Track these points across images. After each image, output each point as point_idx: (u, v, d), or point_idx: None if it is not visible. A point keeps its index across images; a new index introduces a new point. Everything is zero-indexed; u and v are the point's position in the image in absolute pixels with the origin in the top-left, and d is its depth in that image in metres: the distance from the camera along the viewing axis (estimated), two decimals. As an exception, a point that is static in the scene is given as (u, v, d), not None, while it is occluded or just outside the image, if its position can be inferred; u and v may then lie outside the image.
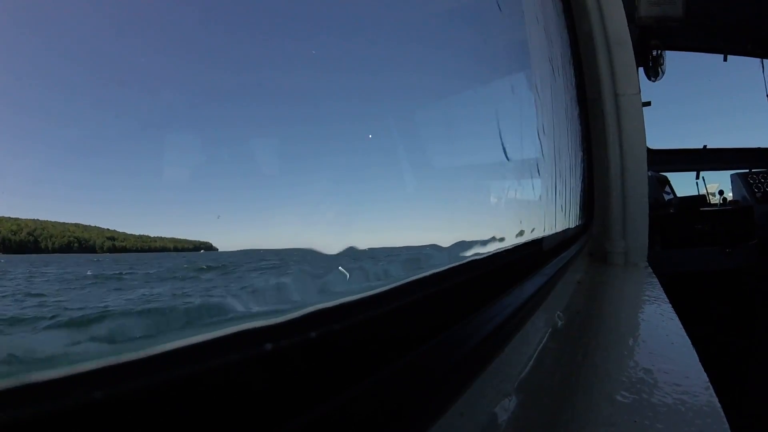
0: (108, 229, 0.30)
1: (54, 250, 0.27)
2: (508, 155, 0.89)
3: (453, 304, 0.48)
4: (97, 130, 0.32)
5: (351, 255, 0.46)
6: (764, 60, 3.72)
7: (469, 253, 0.60)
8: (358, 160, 0.53)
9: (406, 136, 0.63)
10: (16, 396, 0.18)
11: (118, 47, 0.34)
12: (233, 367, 0.24)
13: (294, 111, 0.47)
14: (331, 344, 0.30)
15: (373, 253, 0.50)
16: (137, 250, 0.31)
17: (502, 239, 0.71)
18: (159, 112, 0.36)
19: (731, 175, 3.72)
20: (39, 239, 0.27)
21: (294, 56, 0.47)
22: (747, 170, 3.65)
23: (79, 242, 0.29)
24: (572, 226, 1.43)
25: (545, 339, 0.71)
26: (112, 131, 0.33)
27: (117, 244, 0.30)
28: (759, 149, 3.83)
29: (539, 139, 1.04)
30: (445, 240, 0.59)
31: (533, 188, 1.00)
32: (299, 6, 0.50)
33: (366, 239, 0.49)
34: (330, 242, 0.45)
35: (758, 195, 3.44)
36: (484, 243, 0.65)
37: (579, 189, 1.64)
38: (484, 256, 0.61)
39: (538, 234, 0.91)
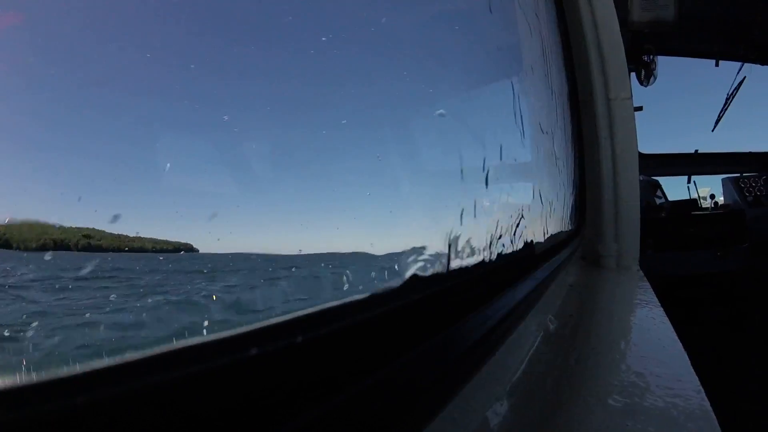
0: (84, 228, 0.30)
1: (29, 250, 0.27)
2: (500, 159, 0.89)
3: (443, 308, 0.48)
4: (81, 129, 0.32)
5: (338, 260, 0.46)
6: (744, 63, 3.75)
7: (461, 256, 0.59)
8: (349, 162, 0.53)
9: (396, 139, 0.63)
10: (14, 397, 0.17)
11: (107, 46, 0.34)
12: (219, 371, 0.24)
13: (284, 110, 0.46)
14: (320, 348, 0.30)
15: (362, 258, 0.49)
16: (114, 250, 0.30)
17: (492, 243, 0.71)
18: (144, 110, 0.35)
19: (722, 179, 3.76)
20: (11, 240, 0.27)
21: (288, 57, 0.46)
22: (738, 174, 3.68)
23: (54, 242, 0.28)
24: (564, 229, 1.44)
25: (537, 343, 0.70)
26: (96, 130, 0.32)
27: (93, 243, 0.30)
28: (750, 153, 3.86)
29: (531, 142, 1.05)
30: (434, 244, 0.58)
31: (525, 192, 1.01)
32: (296, 8, 0.50)
33: (354, 243, 0.49)
34: (319, 246, 0.44)
35: (749, 199, 3.47)
36: (475, 246, 0.65)
37: (571, 192, 1.65)
38: (476, 259, 0.61)
39: (530, 237, 0.91)
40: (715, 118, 3.94)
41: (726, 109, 3.88)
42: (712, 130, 3.97)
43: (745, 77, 3.74)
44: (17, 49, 0.29)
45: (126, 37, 0.35)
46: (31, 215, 0.27)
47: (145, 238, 0.32)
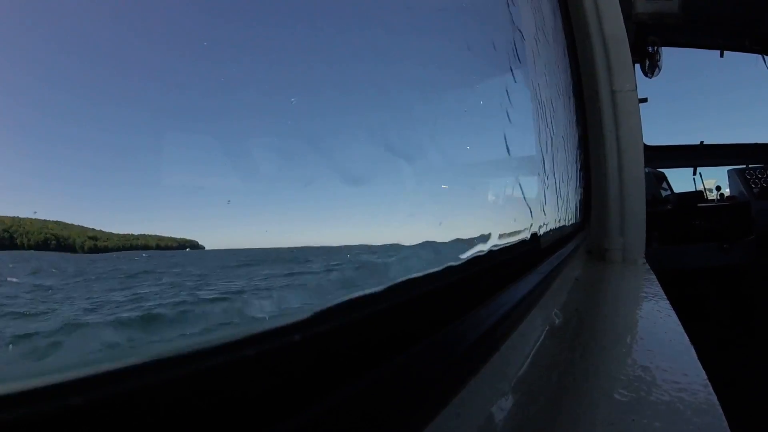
0: (92, 228, 0.29)
1: (30, 247, 0.27)
2: (505, 152, 0.89)
3: (449, 302, 0.48)
4: (85, 126, 0.32)
5: (342, 253, 0.46)
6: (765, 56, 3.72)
7: (466, 250, 0.59)
8: (354, 158, 0.53)
9: (401, 133, 0.63)
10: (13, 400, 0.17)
11: (115, 41, 0.34)
12: (224, 369, 0.24)
13: (287, 107, 0.46)
14: (324, 343, 0.30)
15: (367, 250, 0.49)
16: (120, 249, 0.30)
17: (498, 236, 0.71)
18: (148, 108, 0.35)
19: (728, 171, 3.74)
20: (15, 235, 0.27)
21: (289, 53, 0.46)
22: (744, 166, 3.67)
23: (57, 240, 0.28)
24: (570, 223, 1.43)
25: (542, 337, 0.70)
26: (101, 127, 0.32)
27: (99, 244, 0.30)
28: (756, 145, 3.84)
29: (536, 136, 1.04)
30: (442, 237, 0.58)
31: (530, 185, 1.00)
32: (299, 6, 0.49)
33: (360, 236, 0.49)
34: (321, 240, 0.44)
35: (755, 191, 3.45)
36: (480, 240, 0.64)
37: (576, 186, 1.64)
38: (480, 253, 0.61)
39: (536, 231, 0.91)
40: (721, 109, 3.92)
41: None
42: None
43: None
44: (23, 45, 0.29)
45: (132, 34, 0.34)
46: (34, 214, 0.27)
47: (150, 236, 0.32)
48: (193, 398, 0.22)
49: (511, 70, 0.98)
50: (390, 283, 0.41)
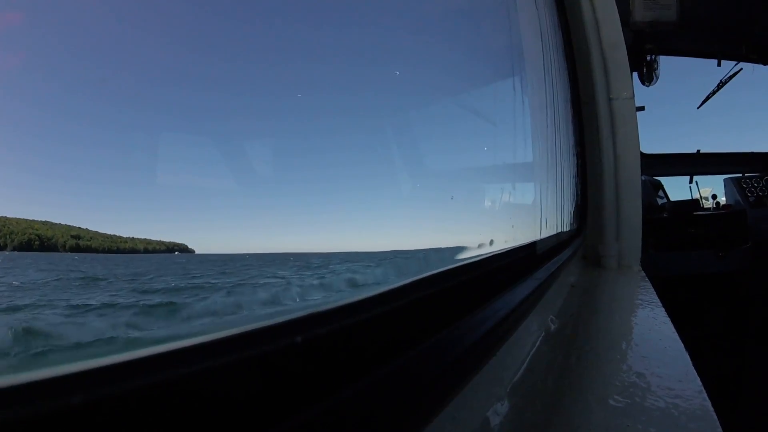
0: (76, 227, 0.29)
1: (14, 248, 0.27)
2: (502, 159, 0.89)
3: (445, 308, 0.48)
4: (77, 127, 0.32)
5: (340, 258, 0.46)
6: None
7: (462, 256, 0.59)
8: (348, 163, 0.53)
9: (401, 140, 0.63)
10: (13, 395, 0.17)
11: (105, 43, 0.34)
12: (220, 369, 0.24)
13: (282, 111, 0.46)
14: (320, 346, 0.30)
15: (365, 257, 0.49)
16: (105, 251, 0.30)
17: (494, 242, 0.71)
18: (142, 111, 0.35)
19: (724, 180, 3.75)
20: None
21: (288, 56, 0.46)
22: (740, 175, 3.68)
23: (40, 240, 0.28)
24: (566, 229, 1.43)
25: (538, 343, 0.70)
26: (92, 128, 0.32)
27: (82, 243, 0.29)
28: (752, 154, 3.86)
29: (533, 142, 1.05)
30: (439, 243, 0.58)
31: (527, 192, 1.00)
32: (301, 10, 0.50)
33: (356, 242, 0.49)
34: (315, 245, 0.44)
35: (751, 199, 3.46)
36: (477, 246, 0.65)
37: (573, 192, 1.64)
38: (477, 259, 0.61)
39: (532, 237, 0.91)
40: (717, 119, 3.95)
41: (715, 93, 3.89)
42: (698, 108, 3.99)
43: (741, 69, 3.73)
44: (15, 47, 0.29)
45: (125, 35, 0.35)
46: (21, 213, 0.27)
47: (138, 239, 0.32)
48: (182, 398, 0.22)
49: (508, 77, 0.99)
50: (387, 288, 0.41)
